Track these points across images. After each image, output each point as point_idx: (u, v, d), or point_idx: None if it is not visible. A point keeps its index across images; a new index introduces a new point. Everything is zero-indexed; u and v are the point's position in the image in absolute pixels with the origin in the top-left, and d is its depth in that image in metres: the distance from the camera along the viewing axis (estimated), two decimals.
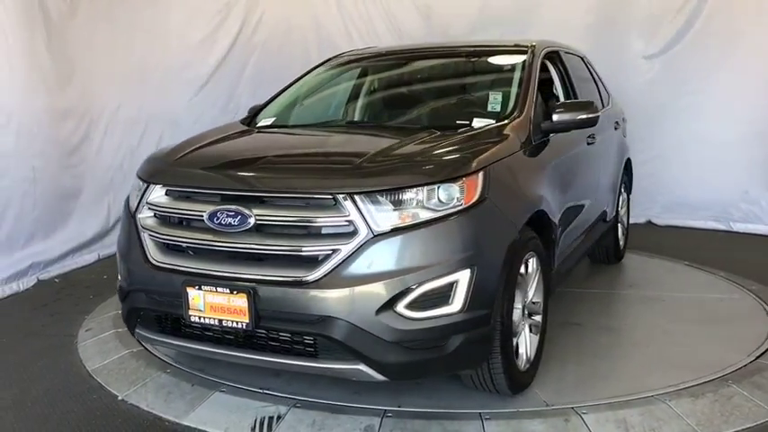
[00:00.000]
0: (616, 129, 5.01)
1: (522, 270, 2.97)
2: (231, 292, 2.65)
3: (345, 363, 2.61)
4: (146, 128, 6.20)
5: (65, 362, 3.67)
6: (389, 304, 2.52)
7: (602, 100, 4.92)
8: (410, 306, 2.54)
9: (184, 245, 2.87)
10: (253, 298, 2.61)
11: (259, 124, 3.92)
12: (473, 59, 4.28)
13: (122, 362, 3.56)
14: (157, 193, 3.00)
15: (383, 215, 2.57)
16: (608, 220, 4.82)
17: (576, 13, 6.61)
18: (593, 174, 4.35)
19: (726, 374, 3.25)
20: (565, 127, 3.49)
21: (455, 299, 2.59)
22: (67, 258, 5.46)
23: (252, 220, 2.68)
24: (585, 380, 3.23)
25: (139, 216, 3.02)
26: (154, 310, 2.97)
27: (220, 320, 2.70)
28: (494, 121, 3.33)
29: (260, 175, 2.90)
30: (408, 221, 2.58)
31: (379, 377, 2.61)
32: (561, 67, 4.25)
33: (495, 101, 3.60)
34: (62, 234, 5.45)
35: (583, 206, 4.06)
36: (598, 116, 3.50)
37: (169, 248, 2.92)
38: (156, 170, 3.13)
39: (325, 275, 2.56)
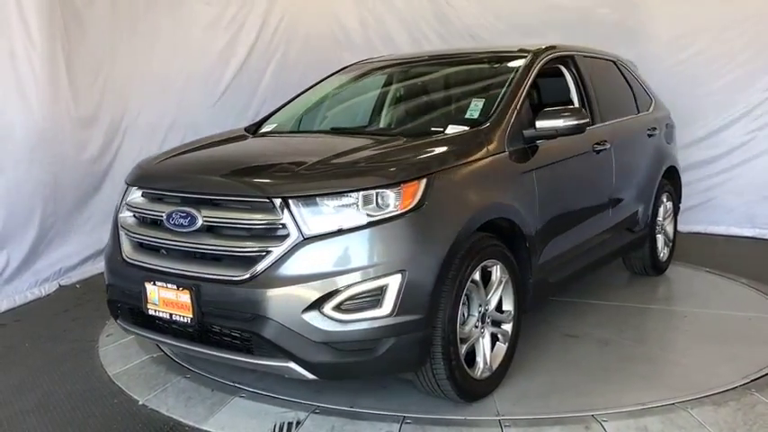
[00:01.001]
0: (651, 135, 4.81)
1: (478, 277, 2.98)
2: (178, 289, 2.82)
3: (277, 360, 2.71)
4: (166, 135, 6.24)
5: (87, 366, 3.71)
6: (316, 305, 2.60)
7: (637, 106, 4.84)
8: (338, 308, 2.61)
9: (149, 243, 3.06)
10: (196, 295, 2.76)
11: (262, 130, 4.06)
12: (471, 66, 4.29)
13: (143, 366, 3.60)
14: (134, 195, 3.22)
15: (315, 219, 2.66)
16: (636, 230, 4.62)
17: None
18: (605, 182, 4.20)
19: (748, 383, 3.21)
20: (550, 134, 3.44)
21: (384, 303, 2.63)
22: (88, 263, 5.51)
23: (200, 221, 2.83)
24: (550, 393, 3.17)
25: (120, 216, 3.25)
26: (126, 303, 3.15)
27: (171, 314, 2.87)
28: (468, 128, 3.34)
29: (209, 179, 3.03)
30: (339, 226, 2.65)
31: (310, 375, 2.70)
32: (576, 72, 4.18)
33: (474, 107, 3.59)
34: (83, 239, 5.50)
35: (587, 215, 3.98)
36: (586, 122, 3.44)
37: (140, 246, 3.12)
38: (136, 173, 3.36)
39: (257, 275, 2.66)
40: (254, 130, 4.10)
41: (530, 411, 2.98)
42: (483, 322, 3.08)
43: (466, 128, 3.36)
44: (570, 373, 3.38)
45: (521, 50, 4.01)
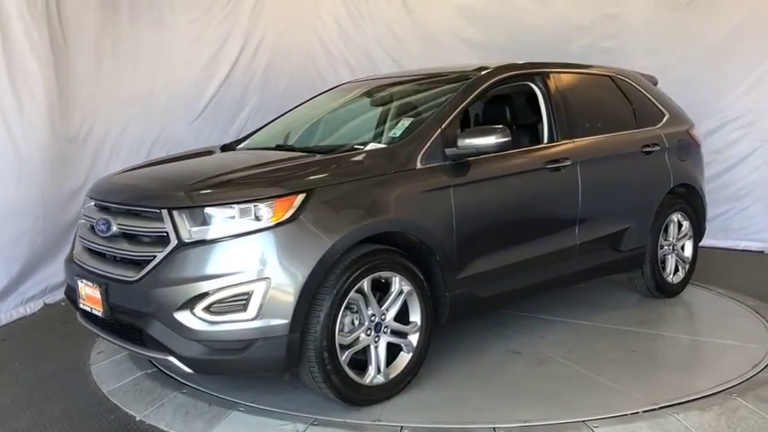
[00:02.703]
0: (650, 152, 4.67)
1: (367, 288, 3.13)
2: (93, 286, 3.20)
3: (161, 353, 3.00)
4: (150, 150, 6.25)
5: (79, 384, 3.71)
6: (187, 306, 2.86)
7: (636, 122, 4.77)
8: (207, 310, 2.86)
9: (87, 246, 3.45)
10: (105, 292, 3.13)
11: (238, 147, 4.33)
12: (423, 86, 4.36)
13: (137, 383, 3.61)
14: (88, 204, 3.57)
15: (193, 229, 2.94)
16: (625, 249, 4.52)
17: None
18: (564, 200, 4.14)
19: (729, 388, 3.34)
20: (472, 152, 3.52)
21: (249, 307, 2.86)
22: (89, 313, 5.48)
23: (114, 228, 3.22)
24: (451, 404, 3.25)
25: (79, 223, 3.64)
26: (71, 298, 3.52)
27: (91, 308, 3.27)
28: (384, 146, 3.53)
29: (123, 191, 3.42)
30: (214, 236, 2.92)
31: (188, 369, 3.00)
32: (544, 89, 4.21)
33: (400, 126, 3.73)
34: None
35: (535, 232, 3.98)
36: (506, 141, 3.48)
37: (82, 248, 3.49)
38: (91, 186, 3.79)
39: (143, 277, 2.98)
40: (225, 147, 4.34)
41: (431, 420, 3.08)
42: (378, 331, 3.21)
43: (383, 145, 3.54)
44: (479, 387, 3.45)
45: (477, 70, 4.10)
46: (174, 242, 2.94)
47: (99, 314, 3.20)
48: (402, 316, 3.33)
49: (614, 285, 5.10)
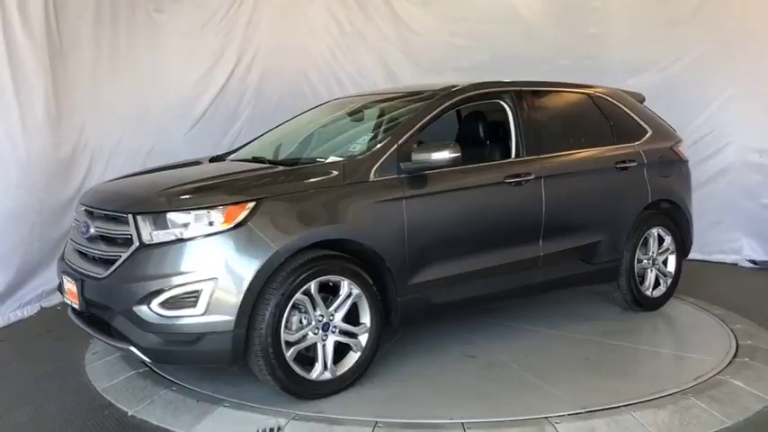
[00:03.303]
0: (624, 168, 4.78)
1: (314, 290, 3.40)
2: (72, 282, 3.58)
3: (123, 343, 3.34)
4: (144, 161, 6.44)
5: (75, 382, 3.91)
6: (145, 301, 3.19)
7: (614, 138, 4.88)
8: (162, 305, 3.19)
9: (74, 247, 3.79)
10: (81, 287, 3.49)
11: (228, 158, 4.59)
12: (402, 103, 4.51)
13: (129, 381, 3.81)
14: (79, 209, 3.87)
15: (153, 232, 3.28)
16: (596, 262, 4.65)
17: None
18: (526, 213, 4.29)
19: (686, 389, 3.56)
20: (426, 166, 3.76)
21: (198, 304, 3.17)
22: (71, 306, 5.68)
23: (92, 230, 3.57)
24: (383, 400, 3.48)
25: (71, 225, 3.98)
26: (62, 293, 3.85)
27: (71, 302, 3.66)
28: (340, 159, 3.80)
29: (101, 197, 3.78)
30: (170, 238, 3.24)
31: (146, 358, 3.38)
32: (513, 107, 4.37)
33: (361, 141, 4.03)
34: None
35: (493, 243, 4.14)
36: (456, 156, 3.70)
37: (72, 249, 3.82)
38: (84, 192, 4.15)
39: (110, 274, 3.33)
40: (214, 158, 4.61)
41: (371, 414, 3.30)
42: (326, 330, 3.47)
43: (340, 159, 3.81)
44: (422, 385, 3.68)
45: (443, 89, 4.31)
46: (136, 243, 3.29)
47: (77, 307, 3.60)
48: (355, 317, 3.58)
49: (600, 298, 5.22)
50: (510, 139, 4.36)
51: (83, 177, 5.89)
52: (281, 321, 3.29)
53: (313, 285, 3.40)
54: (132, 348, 3.30)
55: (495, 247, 4.15)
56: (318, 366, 3.46)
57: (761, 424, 3.33)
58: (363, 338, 3.59)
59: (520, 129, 4.36)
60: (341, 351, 3.56)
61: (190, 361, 3.50)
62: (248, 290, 3.20)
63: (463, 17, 7.47)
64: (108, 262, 3.40)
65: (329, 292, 3.52)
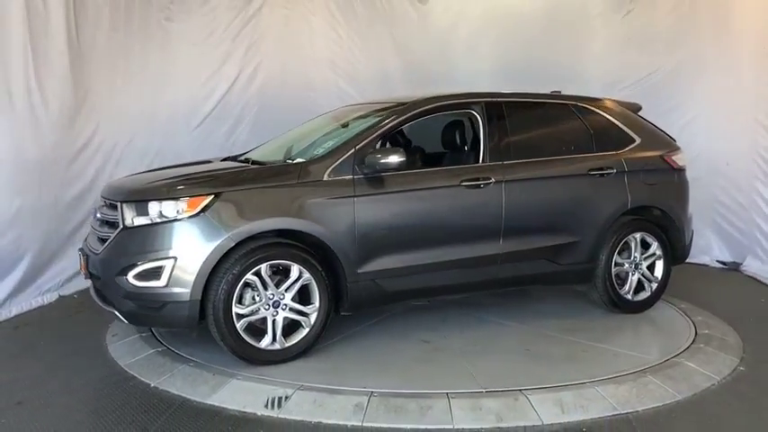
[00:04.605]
0: (600, 175, 4.96)
1: (264, 272, 3.98)
2: (83, 256, 4.36)
3: (110, 307, 4.09)
4: (153, 160, 6.88)
5: (100, 359, 4.34)
6: (123, 273, 3.89)
7: (594, 146, 5.06)
8: (135, 276, 3.87)
9: (91, 230, 4.53)
10: (86, 261, 4.29)
11: (243, 158, 5.01)
12: (381, 112, 4.78)
13: (150, 359, 4.24)
14: (100, 203, 4.50)
15: (135, 217, 3.98)
16: (565, 263, 4.85)
17: None
18: (484, 214, 4.58)
19: (646, 368, 4.02)
20: (376, 169, 4.22)
21: (162, 277, 3.83)
22: (83, 276, 6.09)
23: (99, 215, 4.35)
24: (322, 371, 3.96)
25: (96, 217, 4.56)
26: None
27: (82, 274, 4.46)
28: (301, 161, 4.37)
29: (109, 188, 4.47)
30: (146, 222, 3.94)
31: (126, 321, 4.08)
32: (483, 116, 4.73)
33: (325, 146, 4.48)
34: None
35: (449, 239, 4.48)
36: (401, 161, 4.17)
37: (90, 232, 4.53)
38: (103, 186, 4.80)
39: (102, 250, 4.08)
40: (225, 158, 5.13)
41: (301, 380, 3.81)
42: (276, 307, 4.04)
43: (301, 160, 4.36)
44: (362, 361, 4.18)
45: (414, 101, 4.71)
46: (121, 226, 4.00)
47: (84, 277, 4.45)
48: (309, 298, 4.14)
49: (586, 300, 5.32)
50: (478, 147, 4.73)
51: (94, 174, 6.31)
52: (233, 296, 3.90)
53: (263, 268, 3.97)
54: (116, 312, 4.03)
55: (450, 244, 4.51)
56: (268, 337, 4.03)
57: (706, 397, 3.82)
58: (313, 317, 4.13)
59: (486, 137, 4.71)
60: (295, 326, 4.14)
61: (157, 324, 4.28)
62: (202, 268, 3.83)
63: (461, 28, 7.91)
64: (104, 241, 4.11)
65: (285, 275, 4.08)
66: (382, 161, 4.21)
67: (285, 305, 4.06)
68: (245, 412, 3.55)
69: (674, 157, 5.39)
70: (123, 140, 6.66)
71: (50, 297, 5.72)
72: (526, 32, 7.71)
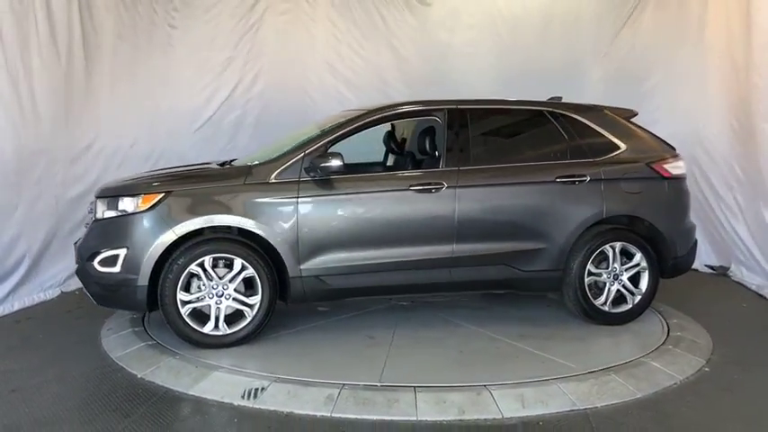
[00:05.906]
0: (570, 183, 4.87)
1: (208, 263, 4.36)
2: (75, 248, 4.73)
3: (86, 290, 4.57)
4: (155, 163, 7.12)
5: (93, 352, 4.60)
6: (91, 258, 4.40)
7: (568, 153, 4.97)
8: (100, 263, 4.36)
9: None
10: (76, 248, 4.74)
11: (232, 163, 5.27)
12: (354, 119, 4.88)
13: (140, 351, 4.48)
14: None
15: (105, 211, 4.48)
16: (527, 269, 4.80)
17: None
18: (435, 218, 4.65)
19: (610, 367, 4.17)
20: (321, 172, 4.48)
21: (117, 264, 4.33)
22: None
23: (89, 209, 4.80)
24: (257, 356, 4.31)
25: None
26: None
27: (76, 263, 4.77)
28: (253, 163, 4.71)
29: (99, 187, 4.89)
30: (111, 215, 4.44)
31: (95, 302, 4.55)
32: (446, 123, 4.85)
33: (280, 150, 4.71)
34: None
35: (395, 241, 4.60)
36: (339, 166, 4.42)
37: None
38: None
39: (81, 239, 4.65)
40: (222, 162, 5.33)
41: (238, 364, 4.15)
42: (220, 296, 4.41)
43: (254, 162, 4.69)
44: (292, 351, 4.44)
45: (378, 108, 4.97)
46: (94, 219, 4.52)
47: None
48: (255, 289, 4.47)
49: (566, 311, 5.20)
50: (440, 153, 4.89)
51: (97, 176, 6.55)
52: (178, 284, 4.33)
53: (207, 260, 4.37)
54: (87, 293, 4.55)
55: (397, 246, 4.63)
56: (210, 323, 4.41)
57: (665, 395, 3.97)
58: (255, 308, 4.45)
59: (445, 144, 4.84)
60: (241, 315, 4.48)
61: (118, 305, 4.78)
62: (148, 257, 4.29)
63: (459, 34, 8.07)
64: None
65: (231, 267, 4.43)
66: (322, 165, 4.47)
67: (229, 295, 4.42)
68: (222, 402, 3.77)
69: (665, 166, 5.13)
70: (126, 144, 6.92)
71: (52, 293, 6.00)
72: (524, 38, 7.90)
